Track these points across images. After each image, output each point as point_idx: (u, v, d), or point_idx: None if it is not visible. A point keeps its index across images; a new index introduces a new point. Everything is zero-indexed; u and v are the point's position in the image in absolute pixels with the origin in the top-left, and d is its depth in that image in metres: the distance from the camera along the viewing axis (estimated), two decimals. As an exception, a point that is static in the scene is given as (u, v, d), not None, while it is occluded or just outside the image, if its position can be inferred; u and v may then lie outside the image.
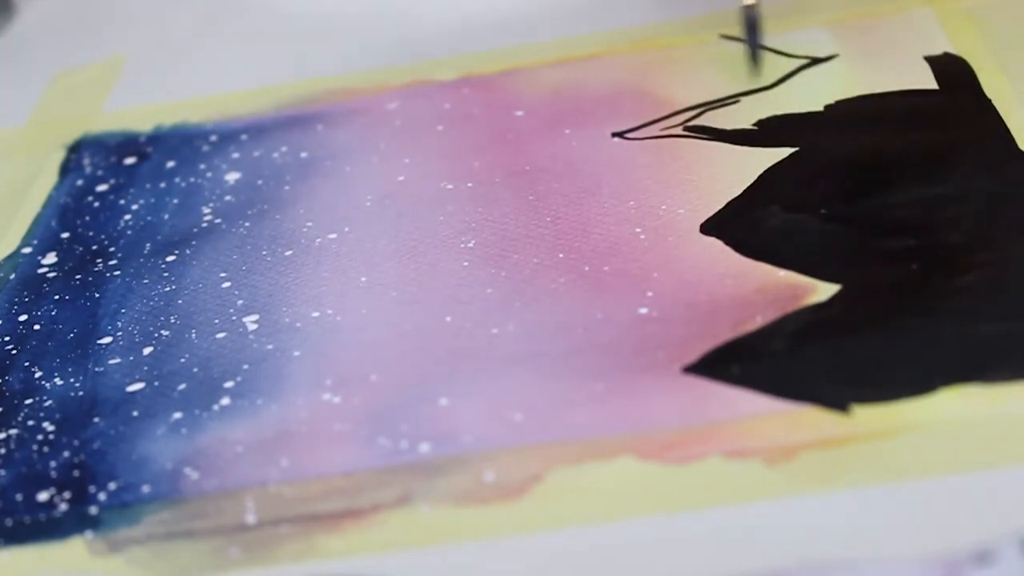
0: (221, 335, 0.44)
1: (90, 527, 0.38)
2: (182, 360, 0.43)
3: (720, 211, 0.45)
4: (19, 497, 0.40)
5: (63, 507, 0.39)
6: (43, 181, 0.54)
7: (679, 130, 0.49)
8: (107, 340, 0.45)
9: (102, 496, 0.39)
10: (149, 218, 0.50)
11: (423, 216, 0.47)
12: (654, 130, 0.49)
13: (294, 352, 0.43)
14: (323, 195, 0.50)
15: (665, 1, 0.56)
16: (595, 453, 0.37)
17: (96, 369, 0.44)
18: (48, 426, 0.42)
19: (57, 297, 0.47)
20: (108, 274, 0.48)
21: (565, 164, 0.48)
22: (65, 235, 0.50)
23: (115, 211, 0.51)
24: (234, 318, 0.44)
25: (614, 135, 0.49)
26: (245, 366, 0.42)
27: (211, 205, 0.50)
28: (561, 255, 0.44)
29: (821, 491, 0.35)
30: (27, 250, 0.50)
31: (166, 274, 0.47)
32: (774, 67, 0.51)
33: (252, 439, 0.40)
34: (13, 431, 0.42)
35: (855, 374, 0.38)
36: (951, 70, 0.49)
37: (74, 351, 0.44)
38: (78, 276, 0.48)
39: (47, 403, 0.43)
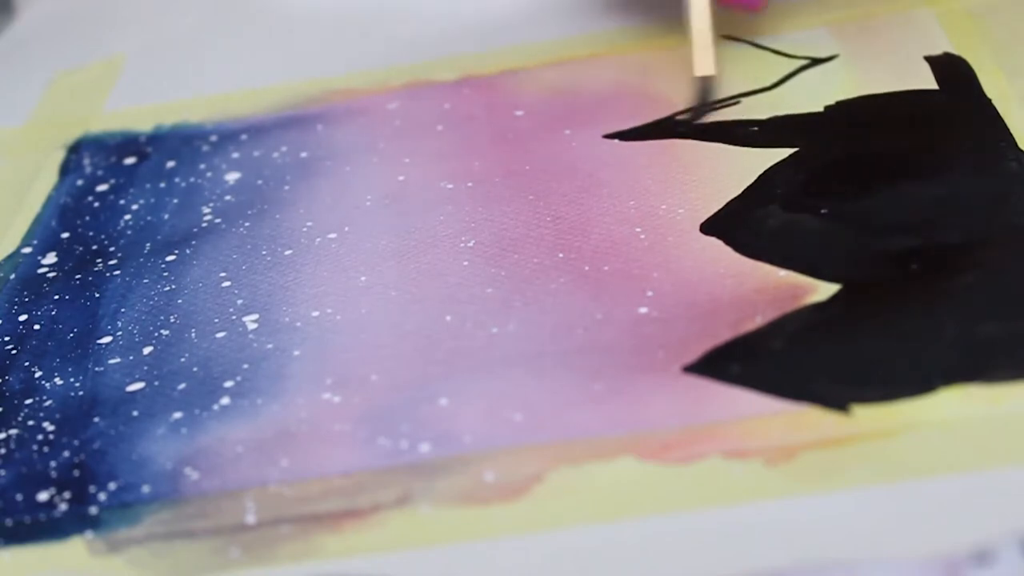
0: (221, 335, 0.44)
1: (90, 527, 0.38)
2: (182, 360, 0.43)
3: (720, 211, 0.45)
4: (19, 497, 0.40)
5: (63, 507, 0.39)
6: (43, 181, 0.54)
7: (673, 129, 0.49)
8: (107, 340, 0.45)
9: (102, 496, 0.39)
10: (149, 218, 0.50)
11: (423, 216, 0.47)
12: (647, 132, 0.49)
13: (294, 352, 0.42)
14: (323, 195, 0.50)
15: (665, 1, 0.56)
16: (595, 453, 0.37)
17: (96, 369, 0.44)
18: (48, 426, 0.42)
19: (57, 297, 0.47)
20: (108, 274, 0.48)
21: (565, 164, 0.48)
22: (65, 235, 0.50)
23: (115, 211, 0.51)
24: (234, 318, 0.44)
25: (605, 137, 0.49)
26: (245, 366, 0.42)
27: (211, 205, 0.50)
28: (561, 255, 0.44)
29: (821, 491, 0.35)
30: (27, 250, 0.50)
31: (166, 274, 0.47)
32: (774, 67, 0.51)
33: (252, 439, 0.40)
34: (13, 431, 0.42)
35: (855, 374, 0.38)
36: (951, 70, 0.49)
37: (74, 351, 0.44)
38: (78, 276, 0.48)
39: (47, 403, 0.43)
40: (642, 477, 0.36)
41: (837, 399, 0.37)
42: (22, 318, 0.46)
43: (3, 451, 0.41)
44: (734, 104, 0.50)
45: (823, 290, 0.41)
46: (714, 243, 0.43)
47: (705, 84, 0.48)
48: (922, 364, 0.37)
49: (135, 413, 0.42)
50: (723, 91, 0.50)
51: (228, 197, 0.50)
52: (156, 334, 0.44)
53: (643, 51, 0.54)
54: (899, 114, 0.47)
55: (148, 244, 0.49)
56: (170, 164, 0.53)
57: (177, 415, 0.41)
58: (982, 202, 0.43)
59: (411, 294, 0.44)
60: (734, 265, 0.42)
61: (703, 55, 0.47)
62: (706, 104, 0.48)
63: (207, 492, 0.38)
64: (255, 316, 0.44)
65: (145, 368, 0.43)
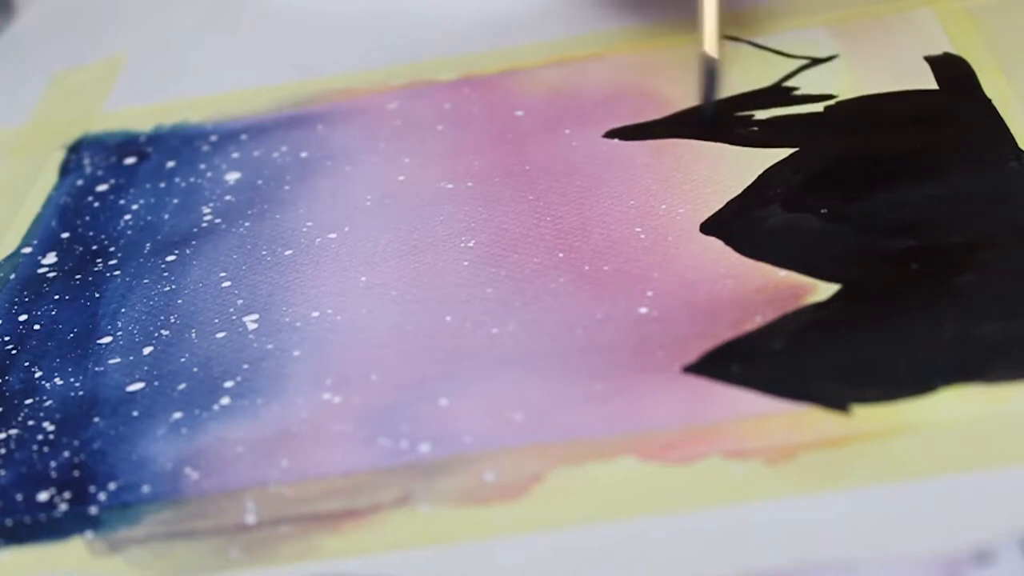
0: (221, 335, 0.44)
1: (90, 527, 0.38)
2: (182, 360, 0.43)
3: (720, 211, 0.45)
4: (19, 497, 0.40)
5: (63, 507, 0.39)
6: (43, 181, 0.54)
7: (674, 128, 0.49)
8: (107, 340, 0.45)
9: (102, 496, 0.39)
10: (149, 218, 0.50)
11: (423, 216, 0.47)
12: (647, 131, 0.49)
13: (294, 352, 0.43)
14: (323, 195, 0.50)
15: (666, 1, 0.56)
16: (595, 453, 0.37)
17: (96, 369, 0.44)
18: (48, 426, 0.42)
19: (57, 297, 0.47)
20: (108, 274, 0.48)
21: (565, 164, 0.48)
22: (65, 235, 0.50)
23: (115, 211, 0.51)
24: (234, 318, 0.44)
25: (605, 136, 0.49)
26: (245, 366, 0.42)
27: (211, 205, 0.50)
28: (561, 255, 0.44)
29: (821, 491, 0.35)
30: (27, 250, 0.50)
31: (166, 274, 0.47)
32: (774, 67, 0.51)
33: (252, 439, 0.40)
34: (13, 431, 0.42)
35: (855, 374, 0.38)
36: (951, 70, 0.49)
37: (74, 351, 0.44)
38: (78, 276, 0.48)
39: (47, 403, 0.43)
40: (642, 477, 0.36)
41: (837, 399, 0.37)
42: (22, 318, 0.46)
43: (3, 451, 0.41)
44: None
45: (823, 290, 0.41)
46: (714, 243, 0.43)
47: (709, 65, 0.48)
48: (922, 364, 0.37)
49: (135, 413, 0.42)
50: (723, 91, 0.50)
51: (228, 197, 0.50)
52: (156, 334, 0.44)
53: (643, 51, 0.54)
54: (899, 114, 0.47)
55: (148, 244, 0.49)
56: (170, 164, 0.53)
57: (177, 415, 0.41)
58: (982, 202, 0.43)
59: (411, 294, 0.44)
60: (734, 265, 0.42)
61: (709, 35, 0.49)
62: (712, 88, 0.48)
63: (207, 492, 0.38)
64: (255, 316, 0.44)
65: (145, 368, 0.43)
